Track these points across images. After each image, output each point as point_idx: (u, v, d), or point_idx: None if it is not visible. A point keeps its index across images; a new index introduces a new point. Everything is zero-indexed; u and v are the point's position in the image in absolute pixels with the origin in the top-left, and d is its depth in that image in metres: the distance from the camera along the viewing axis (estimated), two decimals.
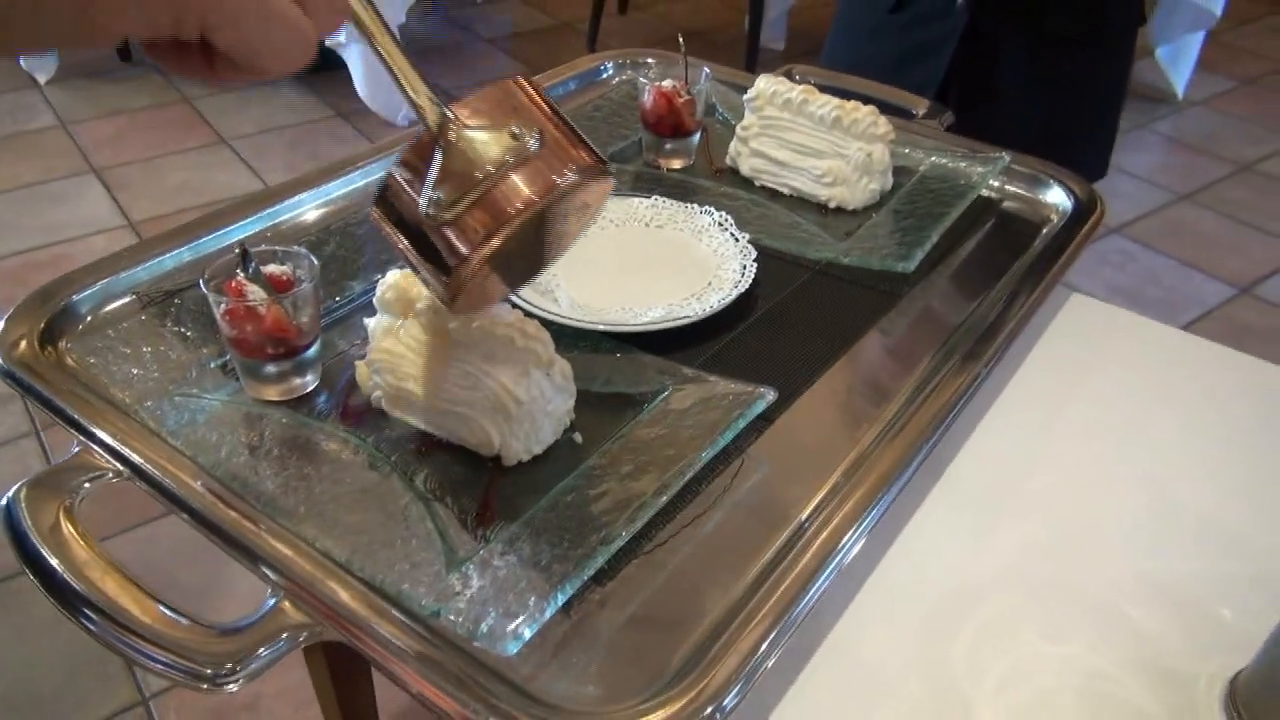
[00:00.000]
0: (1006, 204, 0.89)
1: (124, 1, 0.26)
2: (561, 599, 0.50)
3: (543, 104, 0.49)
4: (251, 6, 0.28)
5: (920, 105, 1.00)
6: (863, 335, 0.72)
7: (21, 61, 2.80)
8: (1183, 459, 0.67)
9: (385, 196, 0.49)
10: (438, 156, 0.46)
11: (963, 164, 0.90)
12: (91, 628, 0.47)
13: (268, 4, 0.29)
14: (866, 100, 0.86)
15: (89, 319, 0.68)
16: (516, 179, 0.47)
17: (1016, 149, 0.91)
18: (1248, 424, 0.71)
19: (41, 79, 2.85)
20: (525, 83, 0.49)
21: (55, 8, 0.26)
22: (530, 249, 0.53)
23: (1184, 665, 0.53)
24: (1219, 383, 0.75)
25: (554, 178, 0.47)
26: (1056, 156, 0.91)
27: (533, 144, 0.47)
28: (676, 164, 0.92)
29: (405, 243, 0.49)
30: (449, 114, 0.46)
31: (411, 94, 0.45)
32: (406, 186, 0.48)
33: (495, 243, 0.47)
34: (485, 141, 0.46)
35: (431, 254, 0.48)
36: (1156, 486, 0.65)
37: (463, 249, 0.47)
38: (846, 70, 1.11)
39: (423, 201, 0.47)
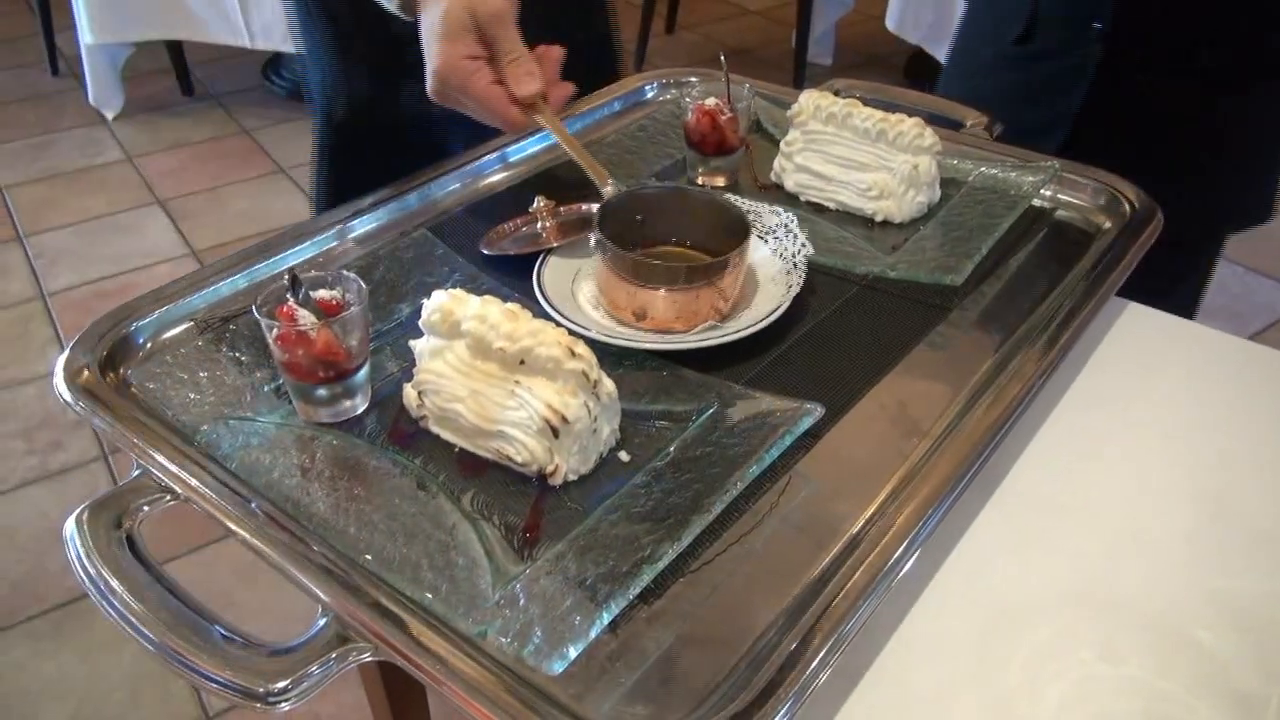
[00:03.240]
0: (1059, 213, 0.87)
1: None
2: (607, 618, 0.50)
3: None
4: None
5: (969, 116, 0.99)
6: (912, 349, 0.71)
7: (90, 99, 2.91)
8: (1248, 472, 0.65)
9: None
10: None
11: (1013, 174, 0.89)
12: (150, 647, 0.49)
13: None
14: (912, 112, 0.85)
15: (148, 346, 0.70)
16: None
17: (1161, 199, 0.82)
18: None
19: (109, 115, 2.96)
20: None
21: None
22: None
23: (1253, 687, 0.51)
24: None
25: None
26: (1213, 204, 0.85)
27: None
28: (721, 181, 0.92)
29: None
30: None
31: (597, 181, 0.78)
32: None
33: None
34: None
35: None
36: (1220, 501, 0.63)
37: None
38: None
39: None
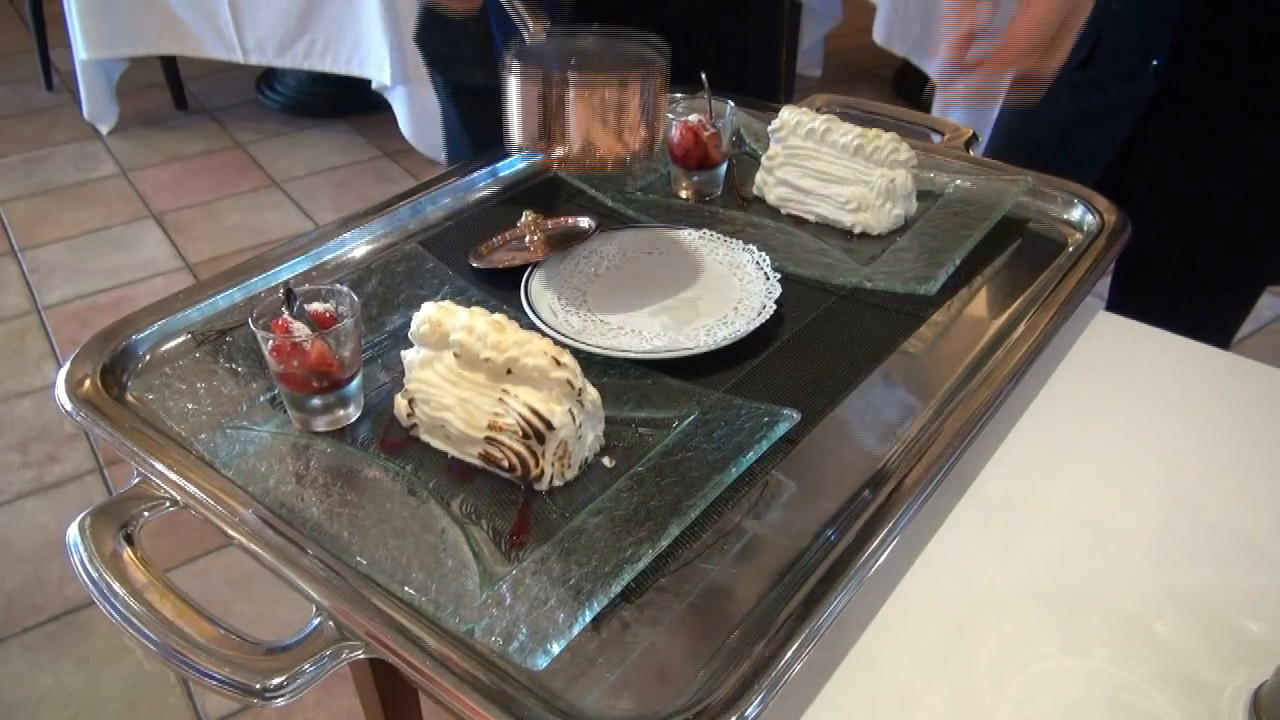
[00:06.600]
0: (1032, 224, 0.90)
1: None
2: (589, 616, 0.52)
3: None
4: None
5: (945, 129, 1.01)
6: (886, 357, 0.73)
7: (84, 113, 2.93)
8: (1208, 472, 0.68)
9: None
10: None
11: (987, 187, 0.91)
12: (151, 646, 0.51)
13: None
14: (890, 127, 0.88)
15: (147, 358, 0.72)
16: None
17: (1206, 237, 0.81)
18: (1273, 436, 0.71)
19: (103, 129, 2.97)
20: None
21: None
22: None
23: (1208, 677, 0.53)
24: (1244, 396, 0.75)
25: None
26: (1261, 250, 0.85)
27: None
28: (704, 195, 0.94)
29: None
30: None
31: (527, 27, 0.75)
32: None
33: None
34: None
35: None
36: (1181, 500, 0.65)
37: None
38: (1014, 136, 1.03)
39: None
